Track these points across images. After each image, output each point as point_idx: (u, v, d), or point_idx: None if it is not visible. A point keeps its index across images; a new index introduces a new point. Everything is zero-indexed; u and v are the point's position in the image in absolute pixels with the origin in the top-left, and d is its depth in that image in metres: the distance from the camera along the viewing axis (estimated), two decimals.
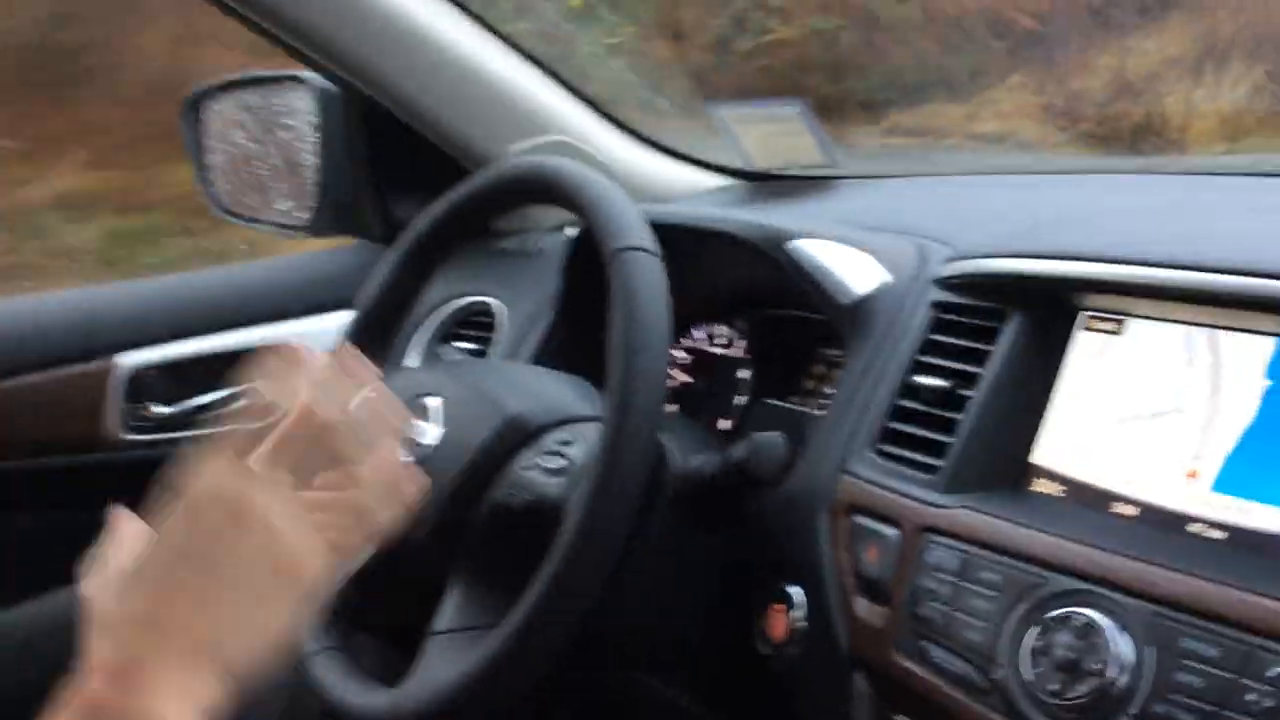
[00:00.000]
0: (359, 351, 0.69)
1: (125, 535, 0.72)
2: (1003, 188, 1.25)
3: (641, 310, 0.82)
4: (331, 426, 0.67)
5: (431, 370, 1.03)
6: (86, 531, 1.09)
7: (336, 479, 0.67)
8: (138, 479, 1.40)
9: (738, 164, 1.47)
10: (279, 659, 0.63)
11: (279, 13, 1.25)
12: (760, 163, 1.44)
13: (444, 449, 0.91)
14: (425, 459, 0.91)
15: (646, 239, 0.86)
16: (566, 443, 0.90)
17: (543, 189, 0.95)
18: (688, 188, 1.49)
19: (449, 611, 0.89)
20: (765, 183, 1.46)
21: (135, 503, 1.16)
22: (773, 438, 0.87)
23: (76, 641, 0.89)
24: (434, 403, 0.93)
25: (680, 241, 1.10)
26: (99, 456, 1.31)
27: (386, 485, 0.67)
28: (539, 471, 0.88)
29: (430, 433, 0.92)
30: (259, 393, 0.67)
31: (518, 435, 0.90)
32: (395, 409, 0.69)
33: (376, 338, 1.06)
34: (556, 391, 0.96)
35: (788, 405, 1.16)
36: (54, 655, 0.89)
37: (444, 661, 0.85)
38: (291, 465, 0.66)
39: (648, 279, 0.84)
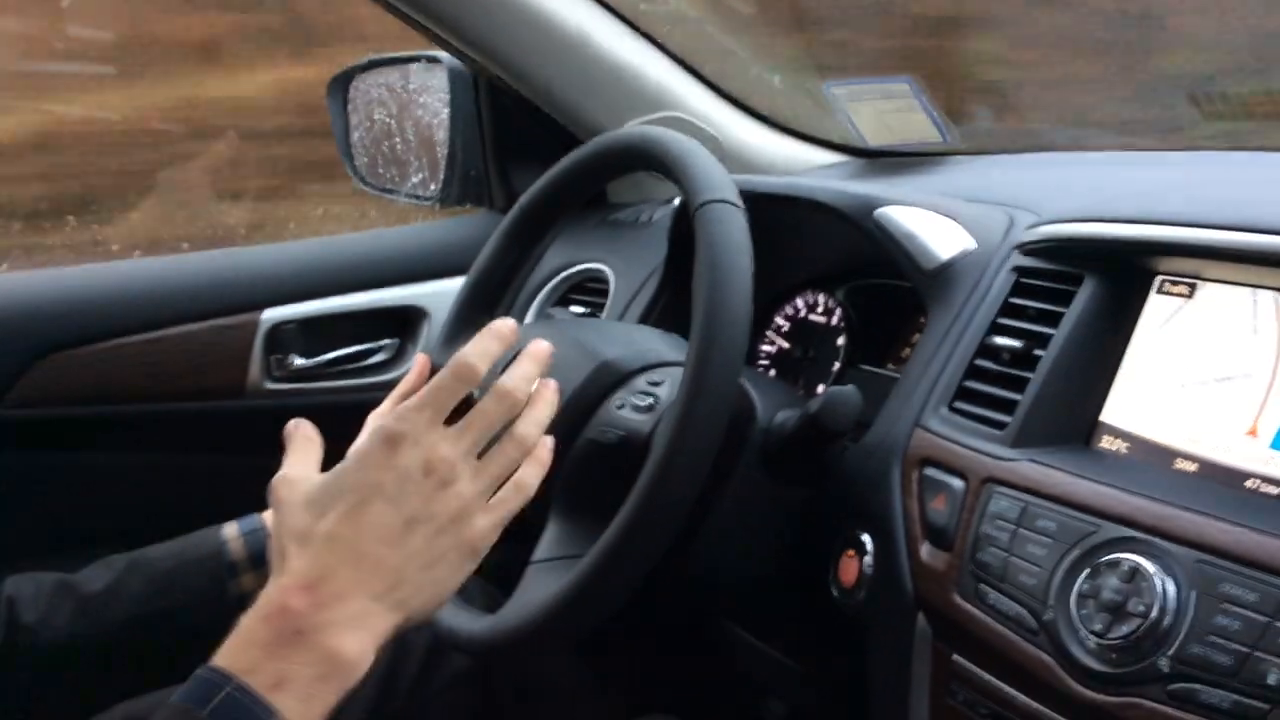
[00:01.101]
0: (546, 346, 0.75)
1: (307, 449, 0.80)
2: (1100, 163, 1.26)
3: (724, 255, 0.86)
4: (519, 406, 0.73)
5: (535, 326, 1.11)
6: (229, 470, 1.20)
7: (507, 453, 0.73)
8: (277, 424, 1.52)
9: (853, 141, 1.51)
10: (437, 612, 0.69)
11: None
12: (873, 139, 1.47)
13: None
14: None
15: (729, 192, 0.90)
16: (656, 384, 0.95)
17: (636, 156, 1.00)
18: (803, 164, 1.53)
19: (546, 543, 0.95)
20: (878, 159, 1.49)
21: (274, 445, 1.26)
22: (845, 391, 0.91)
23: (215, 573, 0.99)
24: None
25: (777, 211, 1.15)
26: (242, 402, 1.43)
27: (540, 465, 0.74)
28: (630, 409, 0.94)
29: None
30: (470, 363, 0.73)
31: (610, 378, 0.96)
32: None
33: (487, 301, 1.14)
34: (648, 340, 1.01)
35: (884, 371, 1.19)
36: (194, 587, 0.99)
37: (538, 588, 0.91)
38: (479, 437, 0.71)
39: (730, 228, 0.88)
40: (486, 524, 0.72)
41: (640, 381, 0.95)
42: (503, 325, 0.77)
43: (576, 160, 1.08)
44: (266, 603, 0.66)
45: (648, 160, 0.99)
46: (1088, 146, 1.40)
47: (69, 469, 1.39)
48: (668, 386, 0.94)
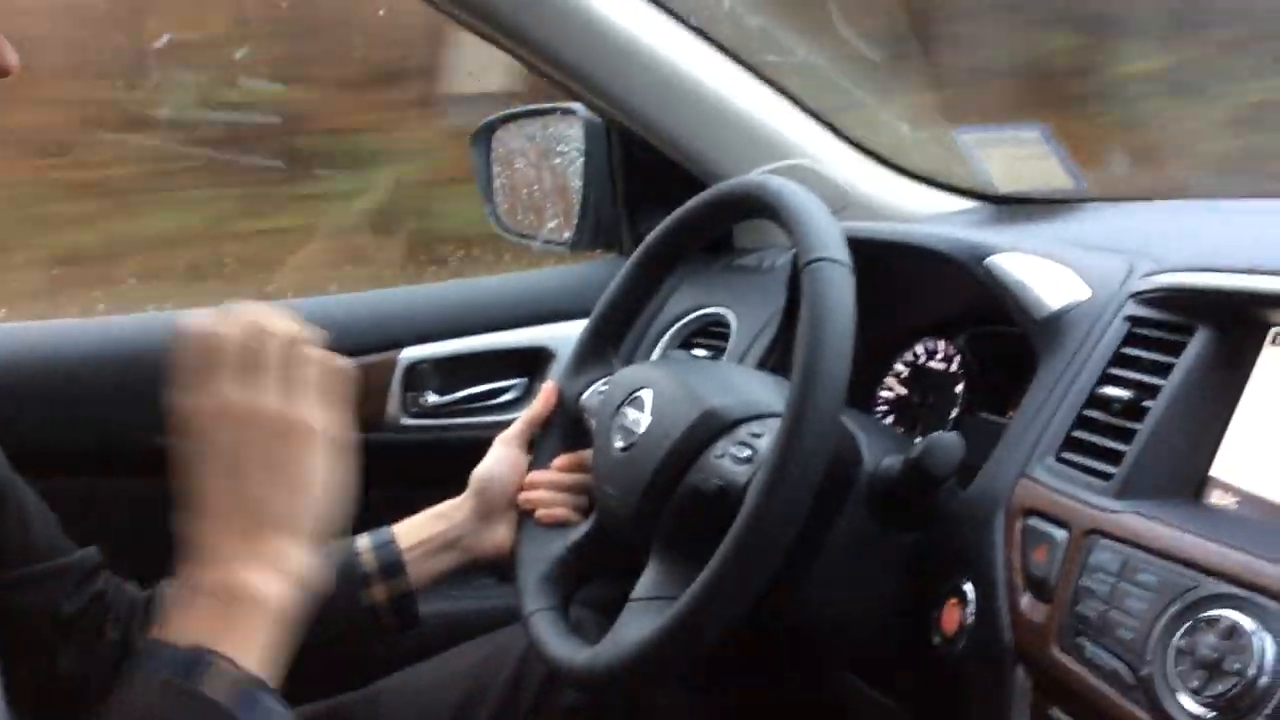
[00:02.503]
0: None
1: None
2: (1232, 211, 1.23)
3: (826, 314, 0.88)
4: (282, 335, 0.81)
5: (650, 366, 1.14)
6: (368, 500, 1.26)
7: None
8: (414, 457, 1.59)
9: (985, 187, 1.50)
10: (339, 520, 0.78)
11: (551, 53, 1.41)
12: (1004, 186, 1.46)
13: (650, 436, 1.01)
14: (634, 444, 1.02)
15: (837, 250, 0.91)
16: (757, 435, 0.97)
17: (752, 204, 1.03)
18: (933, 211, 1.53)
19: (645, 582, 0.98)
20: (1010, 205, 1.48)
21: (409, 477, 1.32)
22: (948, 437, 0.92)
23: (349, 583, 1.05)
24: (646, 394, 1.04)
25: (894, 258, 1.16)
26: (382, 436, 1.50)
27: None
28: (730, 460, 0.96)
29: (641, 421, 1.03)
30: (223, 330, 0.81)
31: (713, 426, 0.98)
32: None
33: (610, 336, 1.18)
34: (756, 389, 1.03)
35: (1002, 420, 1.18)
36: (330, 595, 1.05)
37: (634, 625, 0.94)
38: (260, 372, 0.79)
39: (834, 287, 0.89)
40: (315, 414, 0.80)
41: (742, 432, 0.97)
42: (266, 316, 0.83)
43: (696, 206, 1.11)
44: (200, 590, 0.75)
45: (763, 209, 1.02)
46: (1225, 194, 1.36)
47: None
48: (768, 439, 0.95)
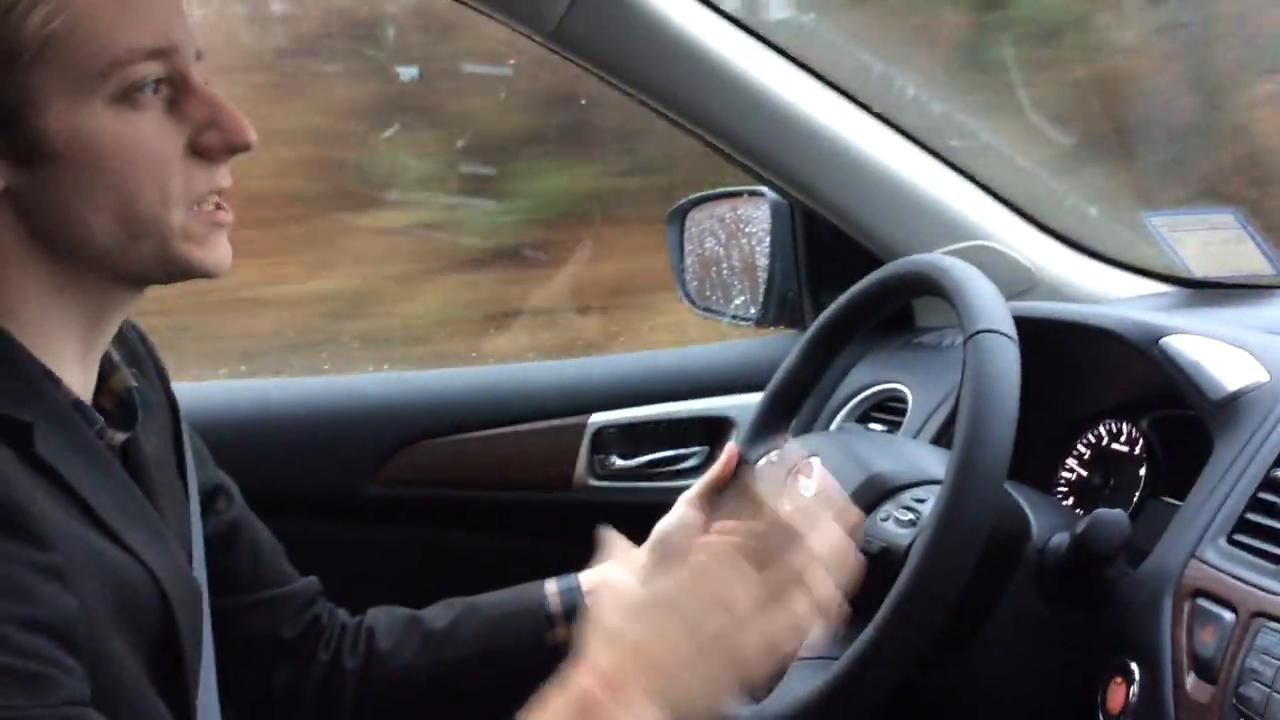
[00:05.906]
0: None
1: (624, 556, 0.93)
2: None
3: (988, 385, 0.91)
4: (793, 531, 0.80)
5: (820, 436, 1.17)
6: (551, 557, 1.34)
7: (786, 580, 0.79)
8: (598, 517, 1.67)
9: (1177, 271, 1.48)
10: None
11: (741, 139, 1.49)
12: (1198, 270, 1.44)
13: (817, 501, 1.04)
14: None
15: (1001, 323, 0.94)
16: (921, 500, 0.99)
17: (919, 283, 1.06)
18: (1125, 293, 1.52)
19: (810, 642, 1.01)
20: (1203, 290, 1.46)
21: (593, 536, 1.39)
22: (1112, 514, 0.92)
23: (536, 623, 1.11)
24: (815, 462, 1.08)
25: (1072, 339, 1.17)
26: (568, 496, 1.59)
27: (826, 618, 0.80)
28: (893, 522, 0.99)
29: (809, 488, 1.06)
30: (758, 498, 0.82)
31: (878, 490, 1.01)
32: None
33: (782, 415, 1.23)
34: (921, 457, 1.06)
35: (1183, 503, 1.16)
36: (519, 633, 1.11)
37: (799, 684, 0.96)
38: (777, 583, 0.79)
39: (997, 358, 0.92)
40: (758, 658, 0.78)
41: (906, 496, 1.00)
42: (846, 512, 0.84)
43: (867, 286, 1.15)
44: (575, 685, 0.76)
45: (930, 287, 1.05)
46: None
47: (416, 543, 1.59)
48: (931, 504, 0.97)
